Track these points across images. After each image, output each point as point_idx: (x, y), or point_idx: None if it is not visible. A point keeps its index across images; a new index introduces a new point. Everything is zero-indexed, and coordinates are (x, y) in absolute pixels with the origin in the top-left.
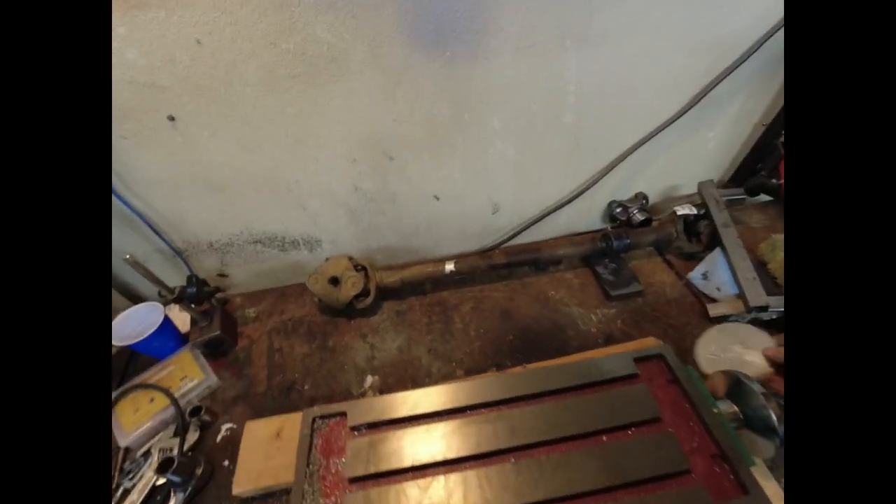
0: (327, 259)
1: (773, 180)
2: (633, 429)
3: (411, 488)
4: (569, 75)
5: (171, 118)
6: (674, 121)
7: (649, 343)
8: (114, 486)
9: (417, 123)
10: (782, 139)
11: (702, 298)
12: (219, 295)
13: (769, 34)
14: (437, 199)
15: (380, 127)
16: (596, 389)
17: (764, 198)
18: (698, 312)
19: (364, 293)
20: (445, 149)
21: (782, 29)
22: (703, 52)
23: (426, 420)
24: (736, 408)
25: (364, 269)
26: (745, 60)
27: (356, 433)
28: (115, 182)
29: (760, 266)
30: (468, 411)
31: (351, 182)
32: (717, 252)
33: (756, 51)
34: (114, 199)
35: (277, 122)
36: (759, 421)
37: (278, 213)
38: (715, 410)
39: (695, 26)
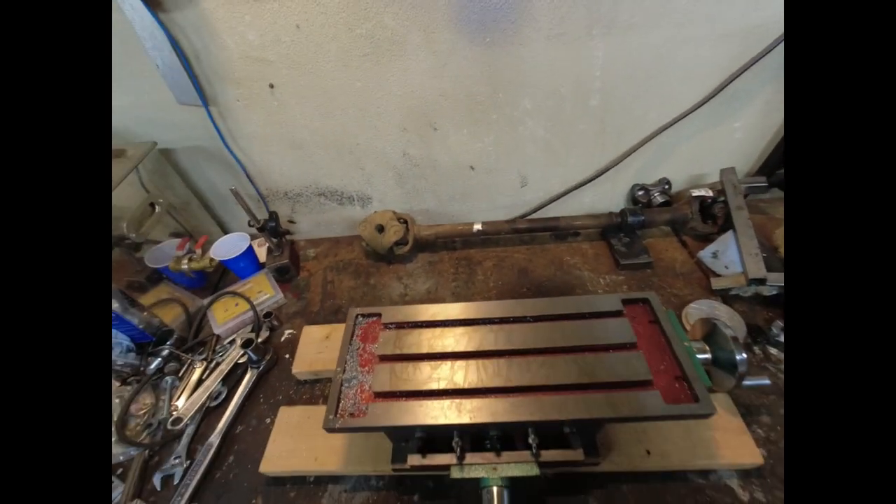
0: (375, 211)
1: None
2: (610, 350)
3: (424, 367)
4: (595, 61)
5: (272, 86)
6: (696, 109)
7: None
8: (211, 360)
9: (459, 99)
10: None
11: (709, 274)
12: (287, 236)
13: None
14: (473, 169)
15: (428, 100)
16: (585, 319)
17: None
18: (703, 286)
19: (403, 241)
20: (482, 124)
21: None
22: (729, 41)
23: (441, 325)
24: (707, 347)
25: (405, 222)
26: (770, 51)
27: (387, 328)
28: (227, 136)
29: (772, 251)
30: (476, 323)
31: (401, 148)
32: (729, 234)
33: (783, 42)
34: (223, 148)
35: (348, 93)
36: (725, 359)
37: (340, 171)
38: (686, 344)
39: (722, 15)
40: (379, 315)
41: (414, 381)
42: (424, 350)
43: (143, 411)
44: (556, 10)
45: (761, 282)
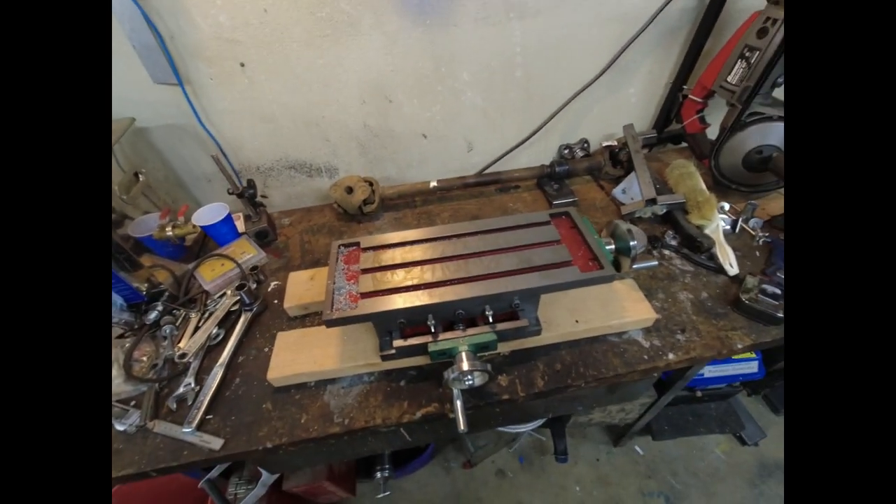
0: (343, 176)
1: (680, 125)
2: (542, 246)
3: (400, 272)
4: (515, 40)
5: (242, 64)
6: (597, 78)
7: None
8: (204, 311)
9: (408, 74)
10: (682, 92)
11: (619, 206)
12: (261, 208)
13: (661, 8)
14: (425, 137)
15: (382, 75)
16: (522, 228)
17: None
18: (617, 215)
19: (370, 200)
20: (429, 95)
21: (670, 4)
22: (613, 23)
23: (410, 244)
24: (612, 240)
25: (371, 183)
26: (643, 31)
27: (366, 251)
28: (201, 113)
29: (663, 183)
30: (438, 240)
31: (361, 119)
32: (632, 174)
33: (651, 22)
34: (198, 125)
35: (312, 69)
36: (624, 246)
37: (308, 144)
38: (595, 237)
39: (602, 4)
40: (358, 243)
41: (392, 282)
42: (399, 261)
43: (145, 356)
44: None
45: (653, 201)
